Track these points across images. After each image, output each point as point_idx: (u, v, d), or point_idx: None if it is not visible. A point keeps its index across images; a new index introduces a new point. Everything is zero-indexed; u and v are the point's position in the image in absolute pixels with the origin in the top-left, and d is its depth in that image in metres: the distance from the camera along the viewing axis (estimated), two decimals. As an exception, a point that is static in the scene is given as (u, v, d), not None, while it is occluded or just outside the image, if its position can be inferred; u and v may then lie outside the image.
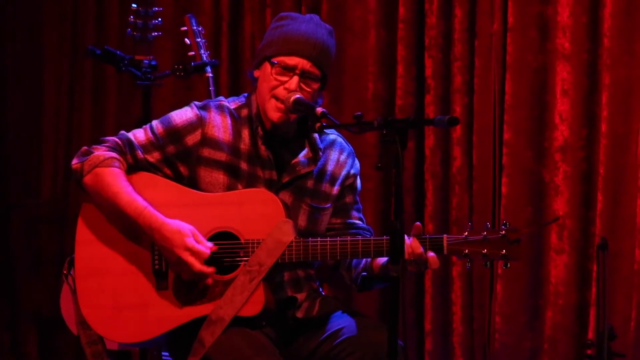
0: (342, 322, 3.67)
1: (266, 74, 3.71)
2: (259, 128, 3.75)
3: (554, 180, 5.20)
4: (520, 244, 3.50)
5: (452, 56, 5.38)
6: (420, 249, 3.52)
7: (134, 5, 4.83)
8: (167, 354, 4.49)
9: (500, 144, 5.28)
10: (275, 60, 3.69)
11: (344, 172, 3.88)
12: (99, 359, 3.77)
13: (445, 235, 3.56)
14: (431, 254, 3.54)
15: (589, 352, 4.79)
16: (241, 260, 3.62)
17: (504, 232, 3.51)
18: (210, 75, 4.88)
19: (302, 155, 3.79)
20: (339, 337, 3.63)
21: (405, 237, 3.46)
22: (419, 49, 5.47)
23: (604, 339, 4.66)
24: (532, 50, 5.26)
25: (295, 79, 3.67)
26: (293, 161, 3.77)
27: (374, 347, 3.55)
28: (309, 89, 3.69)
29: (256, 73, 3.78)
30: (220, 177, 3.72)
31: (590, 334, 5.00)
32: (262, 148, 3.74)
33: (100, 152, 3.70)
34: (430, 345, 5.40)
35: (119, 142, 3.73)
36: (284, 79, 3.68)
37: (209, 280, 3.59)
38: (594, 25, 5.16)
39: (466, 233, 3.55)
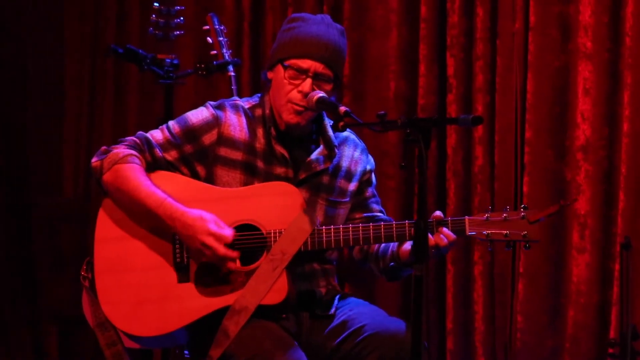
0: (364, 320, 3.68)
1: (279, 78, 3.74)
2: (272, 128, 3.77)
3: (575, 179, 5.18)
4: (540, 224, 3.52)
5: (474, 55, 5.37)
6: (444, 240, 3.56)
7: (156, 4, 4.85)
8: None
9: (522, 143, 5.27)
10: (287, 63, 3.71)
11: (360, 169, 3.91)
12: (118, 360, 3.79)
13: (466, 217, 3.59)
14: (445, 231, 3.57)
15: (611, 350, 4.78)
16: (263, 250, 3.63)
17: (524, 213, 3.53)
18: (233, 74, 4.88)
19: (317, 152, 3.81)
20: (361, 334, 3.64)
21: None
22: (441, 48, 5.47)
23: (628, 338, 4.64)
24: (554, 50, 5.24)
25: (308, 81, 3.69)
26: (308, 159, 3.79)
27: (396, 346, 3.57)
28: (322, 91, 3.71)
29: (269, 75, 3.81)
30: (237, 175, 3.74)
31: (612, 333, 4.98)
32: (277, 147, 3.76)
33: (119, 149, 3.73)
34: (452, 344, 5.39)
35: (137, 141, 3.76)
36: (297, 81, 3.70)
37: (232, 266, 3.59)
38: (616, 25, 5.14)
39: (487, 214, 3.57)
